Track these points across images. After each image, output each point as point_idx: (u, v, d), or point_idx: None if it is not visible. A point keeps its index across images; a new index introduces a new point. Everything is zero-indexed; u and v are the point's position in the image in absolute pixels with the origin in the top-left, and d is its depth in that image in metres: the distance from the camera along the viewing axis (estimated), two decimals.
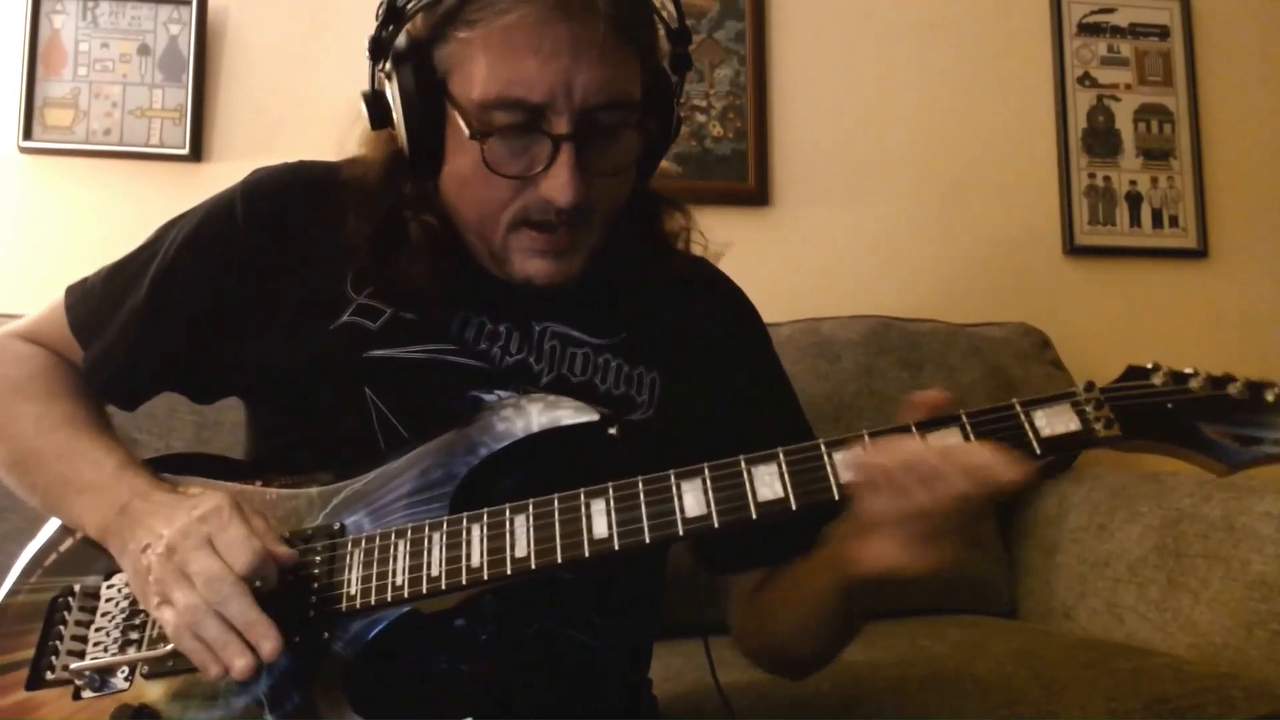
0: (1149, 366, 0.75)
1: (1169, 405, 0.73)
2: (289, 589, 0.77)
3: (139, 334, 0.93)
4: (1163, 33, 2.18)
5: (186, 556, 0.74)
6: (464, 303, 0.90)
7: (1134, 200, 2.14)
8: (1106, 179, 2.13)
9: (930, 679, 1.18)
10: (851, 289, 2.00)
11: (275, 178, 0.95)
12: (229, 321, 0.91)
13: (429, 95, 0.83)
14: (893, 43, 2.10)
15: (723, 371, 0.96)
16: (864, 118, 2.08)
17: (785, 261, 2.01)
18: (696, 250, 1.00)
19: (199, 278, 0.92)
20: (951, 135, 2.09)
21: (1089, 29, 2.16)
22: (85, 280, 0.99)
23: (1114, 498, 1.58)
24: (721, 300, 1.04)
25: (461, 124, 0.81)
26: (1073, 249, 2.10)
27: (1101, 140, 2.14)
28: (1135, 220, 2.13)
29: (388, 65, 0.84)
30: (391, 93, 0.84)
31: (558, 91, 0.79)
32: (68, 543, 0.89)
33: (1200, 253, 2.14)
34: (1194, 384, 0.73)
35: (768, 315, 1.69)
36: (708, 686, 0.97)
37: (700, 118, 1.99)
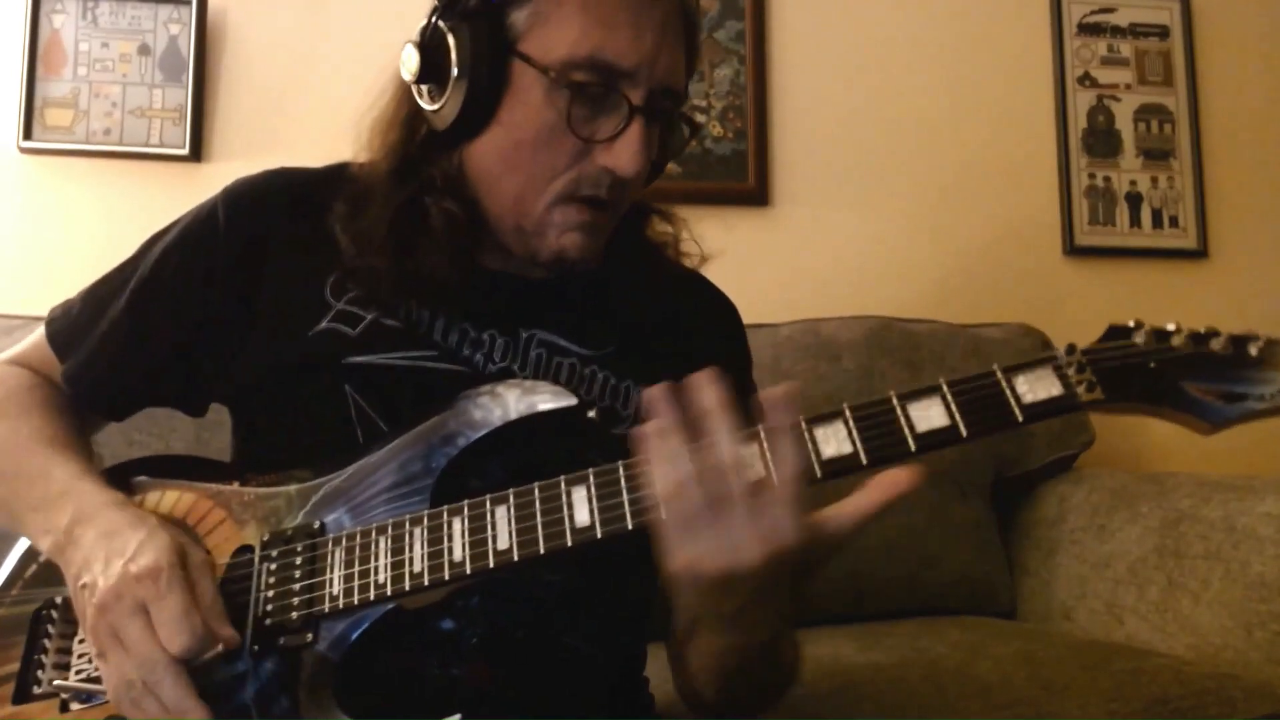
0: (1130, 325, 0.72)
1: (1151, 365, 0.70)
2: (270, 591, 0.77)
3: (121, 342, 0.93)
4: (1163, 33, 2.18)
5: (119, 621, 0.72)
6: (448, 308, 0.89)
7: (1134, 200, 2.14)
8: (1106, 179, 2.13)
9: (930, 679, 1.18)
10: (851, 289, 2.00)
11: (255, 184, 0.95)
12: (212, 329, 0.91)
13: (500, 54, 0.83)
14: (893, 43, 2.10)
15: None
16: (864, 118, 2.07)
17: (785, 261, 2.01)
18: (691, 254, 0.99)
19: (182, 285, 0.92)
20: (951, 135, 2.09)
21: (1089, 29, 2.16)
22: (67, 300, 0.99)
23: (1114, 498, 1.58)
24: (711, 318, 1.04)
25: (538, 80, 0.82)
26: (1073, 249, 2.10)
27: (1101, 140, 2.14)
28: (1135, 220, 2.13)
29: (456, 19, 0.84)
30: (456, 47, 0.84)
31: (644, 64, 0.82)
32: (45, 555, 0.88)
33: (1200, 253, 2.14)
34: (1176, 341, 0.71)
35: (768, 315, 1.71)
36: None
37: (700, 118, 1.99)
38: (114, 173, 1.85)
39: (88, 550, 0.77)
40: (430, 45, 0.85)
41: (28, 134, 1.81)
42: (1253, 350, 0.69)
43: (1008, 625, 1.58)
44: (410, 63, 0.87)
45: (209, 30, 1.89)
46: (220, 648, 0.73)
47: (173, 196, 1.82)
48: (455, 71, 0.84)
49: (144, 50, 1.87)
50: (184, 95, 1.86)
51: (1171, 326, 0.72)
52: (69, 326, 0.96)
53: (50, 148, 1.83)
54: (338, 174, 0.94)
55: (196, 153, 1.86)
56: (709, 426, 0.66)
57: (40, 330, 0.99)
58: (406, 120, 0.90)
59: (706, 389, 0.67)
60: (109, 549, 0.75)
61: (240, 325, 0.90)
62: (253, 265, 0.91)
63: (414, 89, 0.88)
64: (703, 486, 0.64)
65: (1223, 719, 1.04)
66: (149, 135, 1.85)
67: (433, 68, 0.85)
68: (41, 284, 1.77)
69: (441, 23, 0.85)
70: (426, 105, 0.87)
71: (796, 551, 0.64)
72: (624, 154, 0.83)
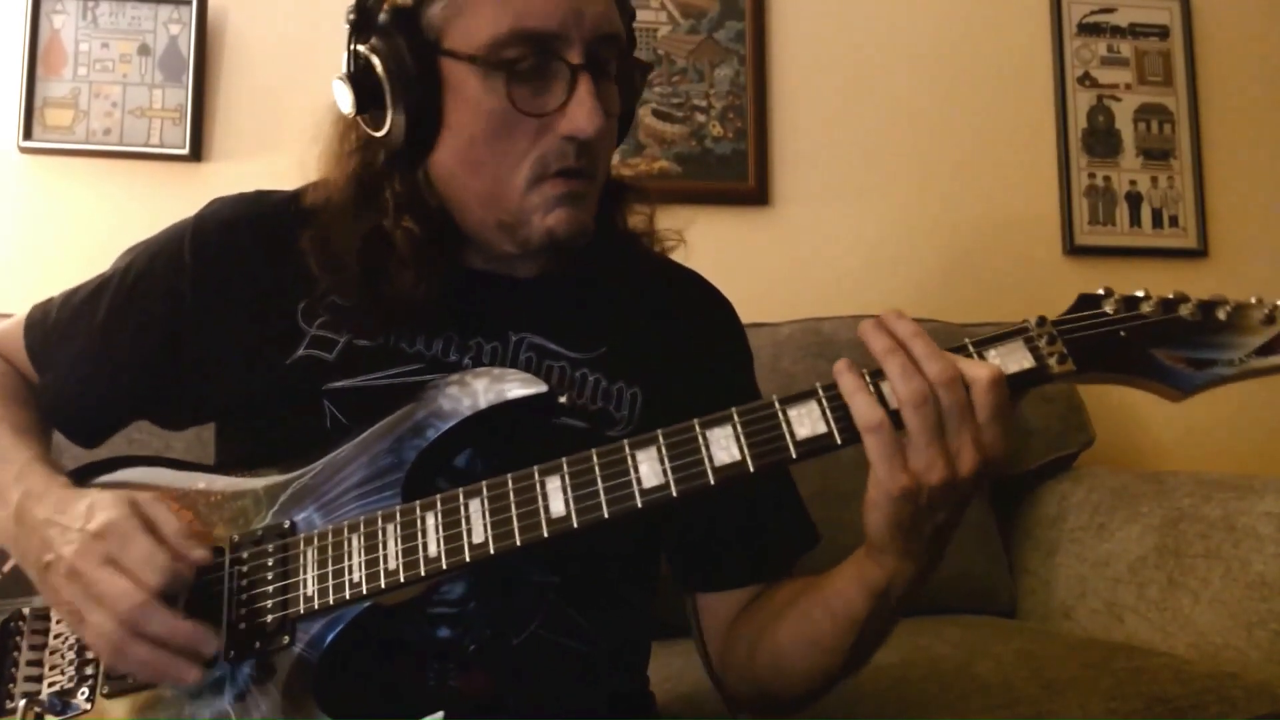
0: (1100, 293, 0.72)
1: (1121, 333, 0.70)
2: (244, 594, 0.76)
3: (91, 370, 0.92)
4: (1163, 33, 2.18)
5: (92, 579, 0.72)
6: (430, 322, 0.87)
7: (1134, 200, 2.14)
8: (1106, 179, 2.13)
9: (930, 679, 1.17)
10: (851, 289, 2.00)
11: (225, 212, 0.93)
12: (183, 359, 0.90)
13: (427, 59, 0.81)
14: (893, 44, 2.10)
15: (703, 390, 0.93)
16: (864, 117, 2.07)
17: (785, 261, 2.01)
18: (668, 240, 0.97)
19: (148, 317, 0.91)
20: (951, 135, 2.09)
21: (1089, 29, 2.16)
22: (49, 301, 0.99)
23: (1114, 498, 1.58)
24: (707, 315, 1.02)
25: (471, 71, 0.80)
26: (1073, 249, 2.10)
27: (1101, 140, 2.14)
28: (1135, 220, 2.13)
29: (374, 39, 0.82)
30: (383, 66, 0.81)
31: (570, 20, 0.79)
32: (11, 562, 0.86)
33: (1200, 253, 2.14)
34: (1145, 307, 0.70)
35: (768, 315, 1.71)
36: (709, 687, 0.97)
37: (700, 118, 1.99)
38: (114, 173, 1.85)
39: (42, 530, 0.77)
40: (357, 74, 0.82)
41: (28, 134, 1.81)
42: (1221, 315, 0.70)
43: (1008, 624, 1.58)
44: (344, 98, 0.84)
45: (209, 30, 1.89)
46: (197, 563, 0.75)
47: (173, 196, 1.82)
48: (389, 91, 0.81)
49: (144, 50, 1.87)
50: (184, 95, 1.86)
51: (1141, 293, 0.71)
52: (43, 339, 0.96)
53: (50, 148, 1.83)
54: (297, 201, 0.91)
55: (196, 153, 1.86)
56: (918, 347, 0.69)
57: (19, 316, 0.98)
58: (361, 150, 0.88)
59: (900, 322, 0.70)
60: (63, 522, 0.76)
61: (213, 356, 0.89)
62: (220, 297, 0.89)
63: (358, 122, 0.85)
64: (942, 397, 0.67)
65: (1223, 718, 1.04)
66: (149, 135, 1.85)
67: (367, 95, 0.82)
68: (41, 284, 1.75)
69: (360, 47, 0.82)
70: (374, 133, 0.84)
71: (1002, 461, 0.68)
72: (580, 115, 0.79)
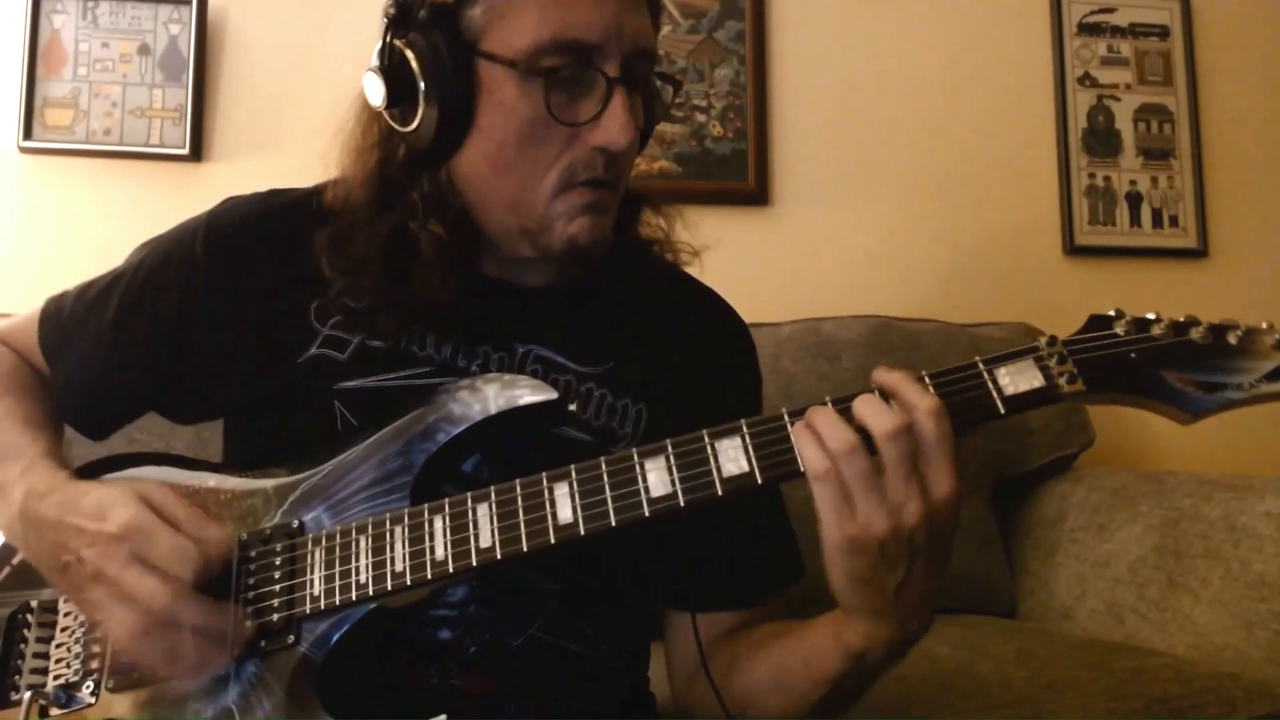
0: (1111, 314, 0.72)
1: (1132, 355, 0.70)
2: (250, 593, 0.77)
3: (101, 364, 0.92)
4: (1163, 33, 2.18)
5: (119, 580, 0.72)
6: (441, 325, 0.87)
7: (1134, 200, 2.14)
8: (1106, 179, 2.13)
9: (930, 679, 1.18)
10: (851, 289, 2.00)
11: (239, 210, 0.93)
12: (194, 356, 0.90)
13: (464, 58, 0.81)
14: (893, 43, 2.10)
15: (707, 412, 0.90)
16: (864, 117, 2.08)
17: (785, 261, 2.01)
18: (682, 250, 0.97)
19: (160, 313, 0.91)
20: (951, 135, 2.10)
21: (1089, 29, 2.16)
22: (63, 294, 0.99)
23: (1114, 498, 1.58)
24: (717, 334, 1.01)
25: (508, 75, 0.80)
26: (1073, 249, 2.10)
27: (1101, 140, 2.14)
28: (1135, 220, 2.13)
29: (411, 34, 0.82)
30: (418, 62, 0.81)
31: (610, 33, 0.79)
32: (19, 555, 0.87)
33: (1200, 253, 2.14)
34: (1157, 330, 0.71)
35: (768, 315, 1.72)
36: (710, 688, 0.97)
37: (700, 118, 1.99)
38: (114, 173, 1.85)
39: (53, 531, 0.77)
40: (391, 67, 0.82)
41: (28, 134, 1.82)
42: (1232, 339, 0.69)
43: (1008, 624, 1.58)
44: (375, 91, 0.84)
45: (209, 30, 1.89)
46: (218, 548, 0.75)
47: (173, 196, 1.82)
48: (423, 87, 0.81)
49: (144, 50, 1.87)
50: (184, 95, 1.86)
51: (1152, 315, 0.72)
52: (56, 333, 0.96)
53: (50, 148, 1.83)
54: (317, 198, 0.91)
55: (196, 153, 1.86)
56: (860, 405, 0.68)
57: (34, 310, 0.99)
58: (382, 144, 0.88)
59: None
60: (74, 522, 0.76)
61: (225, 353, 0.89)
62: (233, 295, 0.89)
63: (385, 115, 0.85)
64: (885, 450, 0.66)
65: (1223, 718, 1.04)
66: (149, 135, 1.85)
67: (399, 90, 0.82)
68: (41, 284, 1.75)
69: (397, 41, 0.82)
70: (401, 128, 0.84)
71: (955, 503, 0.67)
72: (613, 128, 0.80)
